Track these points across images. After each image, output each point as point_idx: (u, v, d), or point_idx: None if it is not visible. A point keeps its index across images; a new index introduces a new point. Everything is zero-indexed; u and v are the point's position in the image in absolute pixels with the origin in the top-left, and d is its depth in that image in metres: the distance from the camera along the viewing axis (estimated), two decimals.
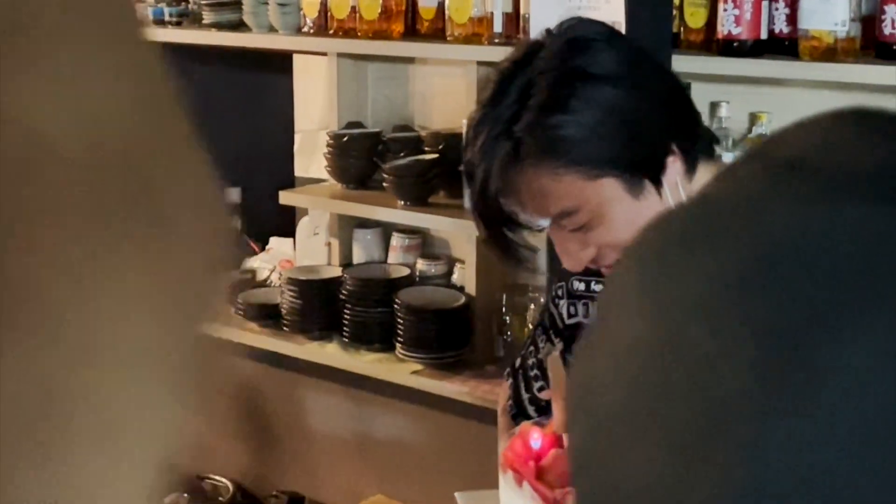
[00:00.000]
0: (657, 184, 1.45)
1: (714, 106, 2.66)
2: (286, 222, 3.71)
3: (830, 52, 2.26)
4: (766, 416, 0.40)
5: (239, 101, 4.16)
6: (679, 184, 1.46)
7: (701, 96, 2.60)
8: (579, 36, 1.46)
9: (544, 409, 1.79)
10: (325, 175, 3.43)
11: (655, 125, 1.45)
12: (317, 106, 3.51)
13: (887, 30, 2.26)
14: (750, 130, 2.63)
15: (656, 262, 0.47)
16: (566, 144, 1.41)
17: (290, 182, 3.66)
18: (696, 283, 0.44)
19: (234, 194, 3.95)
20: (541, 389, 1.76)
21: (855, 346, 0.41)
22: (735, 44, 2.39)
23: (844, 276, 0.42)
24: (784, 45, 2.38)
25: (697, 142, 1.51)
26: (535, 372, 1.78)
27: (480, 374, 2.84)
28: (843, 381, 0.40)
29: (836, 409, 0.40)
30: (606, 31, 1.50)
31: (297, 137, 3.59)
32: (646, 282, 0.47)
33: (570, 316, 1.72)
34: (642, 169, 1.44)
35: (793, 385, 0.40)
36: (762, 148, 0.51)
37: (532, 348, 1.81)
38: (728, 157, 2.61)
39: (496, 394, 2.73)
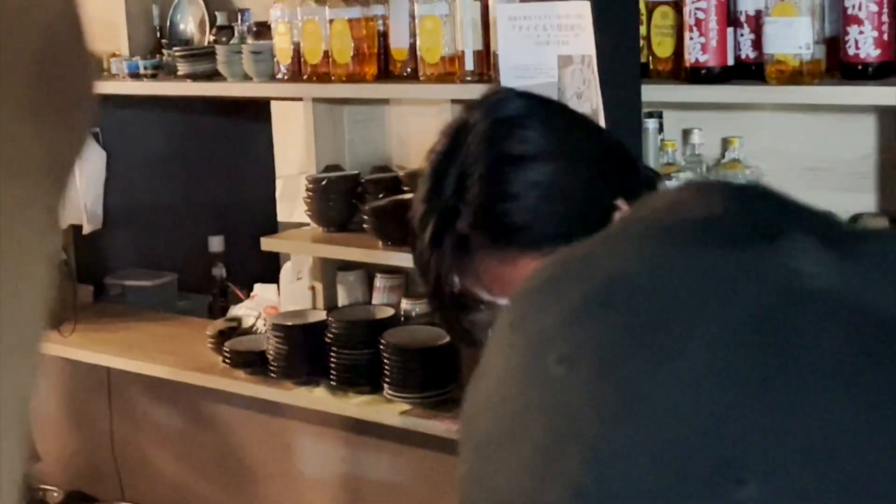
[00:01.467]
0: None
1: (686, 133, 2.68)
2: (271, 269, 3.72)
3: (797, 75, 2.29)
4: (603, 426, 0.48)
5: (219, 149, 4.19)
6: None
7: (673, 124, 2.64)
8: (503, 116, 1.43)
9: None
10: (307, 219, 3.45)
11: (597, 189, 1.43)
12: (296, 151, 3.52)
13: (851, 50, 2.28)
14: (723, 156, 2.65)
15: (525, 303, 0.55)
16: (513, 231, 1.39)
17: (272, 228, 3.67)
18: (551, 318, 0.52)
19: (218, 243, 3.97)
20: None
21: (671, 365, 0.48)
22: (703, 71, 2.41)
23: (663, 306, 0.50)
24: (751, 70, 2.40)
25: (641, 188, 1.49)
26: None
27: None
28: (659, 396, 0.47)
29: (652, 419, 0.47)
30: (529, 103, 1.47)
31: (278, 183, 3.60)
32: (516, 320, 0.54)
33: None
34: (593, 234, 1.43)
35: (622, 398, 0.48)
36: (632, 209, 0.61)
37: None
38: None
39: None
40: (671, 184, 2.51)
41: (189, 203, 4.28)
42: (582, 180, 1.42)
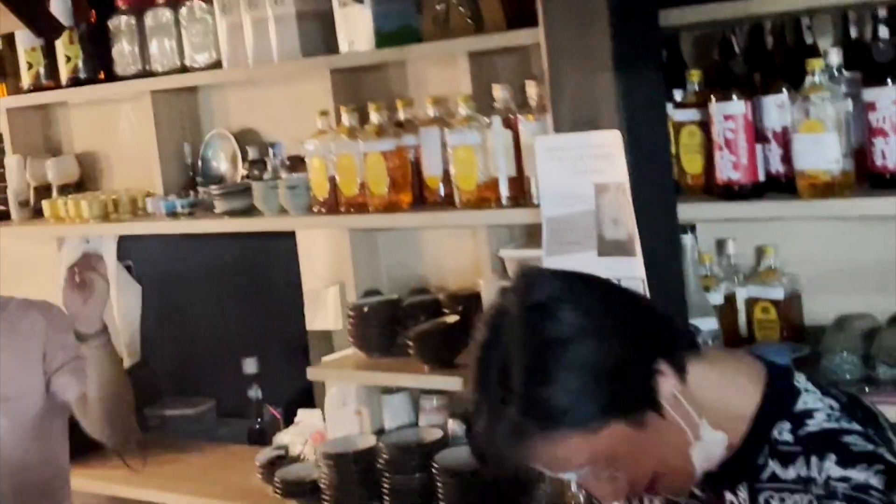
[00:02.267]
0: (657, 408, 1.49)
1: (720, 244, 2.76)
2: (305, 386, 3.76)
3: (828, 188, 2.36)
4: None
5: (246, 270, 4.25)
6: (678, 396, 1.50)
7: (706, 235, 2.71)
8: (538, 301, 1.49)
9: None
10: (332, 326, 3.50)
11: (636, 359, 1.48)
12: (321, 264, 3.59)
13: (879, 161, 2.36)
14: (758, 263, 2.71)
15: None
16: (560, 414, 1.45)
17: (302, 343, 3.71)
18: None
19: (251, 364, 4.01)
20: None
21: None
22: (735, 188, 2.48)
23: None
24: (782, 184, 2.47)
25: (679, 346, 1.54)
26: None
27: None
28: None
29: None
30: (562, 284, 1.53)
31: (306, 296, 3.66)
32: None
33: None
34: (638, 404, 1.48)
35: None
36: None
37: None
38: (741, 293, 2.69)
39: None
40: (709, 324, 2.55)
41: (220, 326, 4.34)
42: (620, 354, 1.47)
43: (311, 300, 3.65)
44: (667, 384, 1.49)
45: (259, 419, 3.99)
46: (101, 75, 3.85)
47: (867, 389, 2.38)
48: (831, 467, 1.48)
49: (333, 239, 3.46)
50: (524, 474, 1.54)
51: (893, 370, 2.41)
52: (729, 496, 1.59)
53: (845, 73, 2.39)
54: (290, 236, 3.65)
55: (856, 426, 1.53)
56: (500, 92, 2.81)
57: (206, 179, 3.64)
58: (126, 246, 4.08)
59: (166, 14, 3.62)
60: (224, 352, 4.24)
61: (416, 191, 3.05)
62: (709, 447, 1.54)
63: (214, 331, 4.35)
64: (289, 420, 3.68)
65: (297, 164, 3.30)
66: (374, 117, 3.01)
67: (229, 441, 3.99)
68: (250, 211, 3.38)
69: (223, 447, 3.90)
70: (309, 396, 3.75)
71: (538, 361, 1.45)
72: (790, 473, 1.52)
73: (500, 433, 1.47)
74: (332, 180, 3.10)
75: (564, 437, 1.46)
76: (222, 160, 3.68)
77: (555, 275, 1.57)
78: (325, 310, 3.65)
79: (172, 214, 3.54)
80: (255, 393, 4.01)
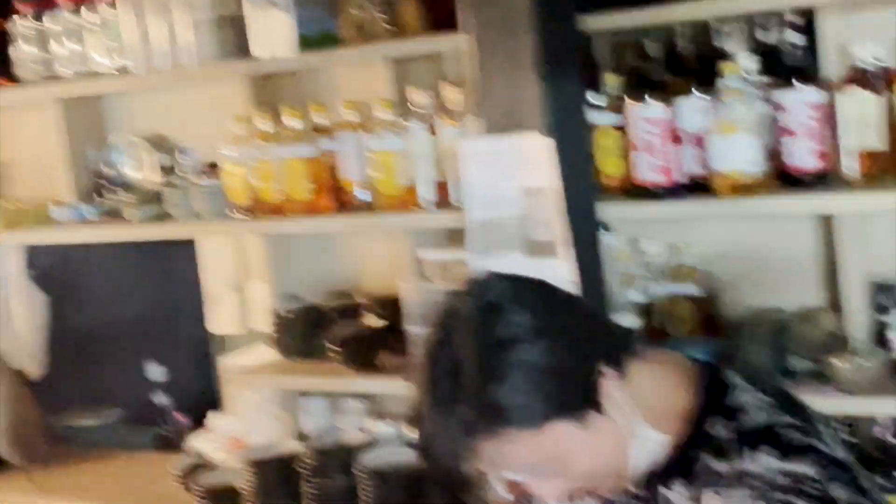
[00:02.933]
0: (599, 409, 1.53)
1: (637, 242, 2.82)
2: (213, 390, 3.74)
3: (744, 189, 2.44)
4: None
5: (144, 277, 4.21)
6: (618, 396, 1.55)
7: (623, 235, 2.78)
8: (488, 302, 1.53)
9: None
10: (233, 329, 3.50)
11: (581, 360, 1.53)
12: (222, 267, 3.58)
13: (791, 161, 2.45)
14: (674, 261, 2.79)
15: None
16: (509, 412, 1.48)
17: (205, 347, 3.70)
18: None
19: (157, 371, 3.98)
20: None
21: None
22: (653, 189, 2.56)
23: None
24: (699, 184, 2.55)
25: (619, 348, 1.59)
26: None
27: None
28: None
29: None
30: (513, 285, 1.57)
31: (208, 300, 3.64)
32: None
33: None
34: (582, 404, 1.53)
35: None
36: None
37: None
38: (658, 290, 2.77)
39: None
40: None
41: (124, 333, 4.29)
42: (566, 355, 1.51)
43: (213, 304, 3.64)
44: (608, 385, 1.54)
45: (167, 426, 3.96)
46: (2, 80, 3.77)
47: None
48: (767, 460, 1.54)
49: (236, 241, 3.46)
50: (465, 475, 1.56)
51: (805, 362, 2.50)
52: (664, 492, 1.63)
53: (759, 76, 2.48)
54: (192, 241, 3.62)
55: (788, 418, 1.58)
56: (419, 97, 2.84)
57: (115, 186, 3.60)
58: (30, 255, 4.01)
59: (69, 17, 3.56)
60: (128, 359, 4.20)
61: (335, 195, 3.06)
62: (645, 445, 1.59)
63: (119, 338, 4.30)
64: (197, 425, 3.66)
65: (209, 168, 3.29)
66: (292, 122, 3.01)
67: (137, 448, 3.95)
68: (162, 217, 3.36)
69: (132, 455, 3.86)
70: (216, 401, 3.73)
71: (489, 361, 1.48)
72: (724, 467, 1.56)
73: (449, 431, 1.49)
74: (250, 186, 3.10)
75: (512, 436, 1.49)
76: (131, 166, 3.64)
77: (504, 277, 1.60)
78: (227, 313, 3.64)
79: (83, 222, 3.49)
80: (161, 399, 3.98)
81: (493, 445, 1.50)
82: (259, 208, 3.10)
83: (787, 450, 1.54)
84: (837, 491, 1.51)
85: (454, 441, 1.50)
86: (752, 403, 1.61)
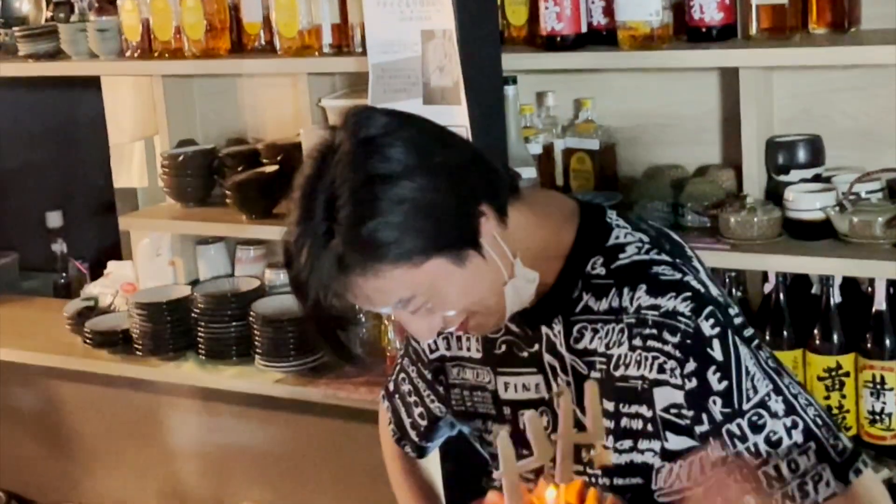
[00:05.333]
0: (478, 247, 1.52)
1: (540, 96, 2.80)
2: (112, 240, 3.70)
3: (647, 40, 2.42)
4: None
5: (48, 123, 4.11)
6: (497, 237, 1.54)
7: (527, 88, 2.75)
8: (367, 136, 1.49)
9: (425, 434, 1.90)
10: (138, 183, 3.44)
11: (460, 199, 1.51)
12: (127, 118, 3.50)
13: (696, 15, 2.42)
14: (576, 116, 2.77)
15: None
16: (384, 247, 1.46)
17: (108, 197, 3.64)
18: None
19: (56, 218, 3.92)
20: (421, 416, 1.88)
21: None
22: (558, 39, 2.52)
23: None
24: (603, 36, 2.52)
25: (502, 190, 1.58)
26: (413, 398, 1.89)
27: (341, 374, 2.91)
28: None
29: None
30: (391, 121, 1.53)
31: (111, 151, 3.57)
32: None
33: (431, 351, 1.82)
34: (460, 242, 1.51)
35: None
36: None
37: (404, 375, 1.90)
38: (559, 144, 2.75)
39: (359, 393, 2.81)
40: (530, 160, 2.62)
41: (23, 178, 4.21)
42: (446, 193, 1.49)
43: (117, 155, 3.56)
44: (488, 225, 1.53)
45: (65, 273, 3.91)
46: None
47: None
48: (641, 296, 1.55)
49: (142, 90, 3.36)
50: (342, 311, 1.53)
51: (699, 217, 2.51)
52: (545, 330, 1.64)
53: None
54: (97, 87, 3.52)
55: (665, 257, 1.60)
56: None
57: (8, 21, 3.47)
58: None
59: None
60: (27, 204, 4.12)
61: (234, 37, 2.97)
62: (522, 286, 1.58)
63: (17, 182, 4.21)
64: (96, 275, 3.61)
65: (106, 6, 3.17)
66: None
67: (35, 294, 3.90)
68: (56, 55, 3.24)
69: (27, 300, 3.81)
70: (116, 251, 3.68)
71: (365, 195, 1.46)
72: (603, 305, 1.59)
73: (323, 265, 1.47)
74: (145, 24, 3.00)
75: (386, 270, 1.48)
76: (24, 1, 3.51)
77: (385, 113, 1.56)
78: (130, 167, 3.57)
79: None
80: (59, 247, 3.93)
81: (367, 280, 1.48)
82: (155, 48, 3.00)
83: (659, 286, 1.55)
84: (706, 326, 1.52)
85: (327, 275, 1.48)
86: (633, 243, 1.61)
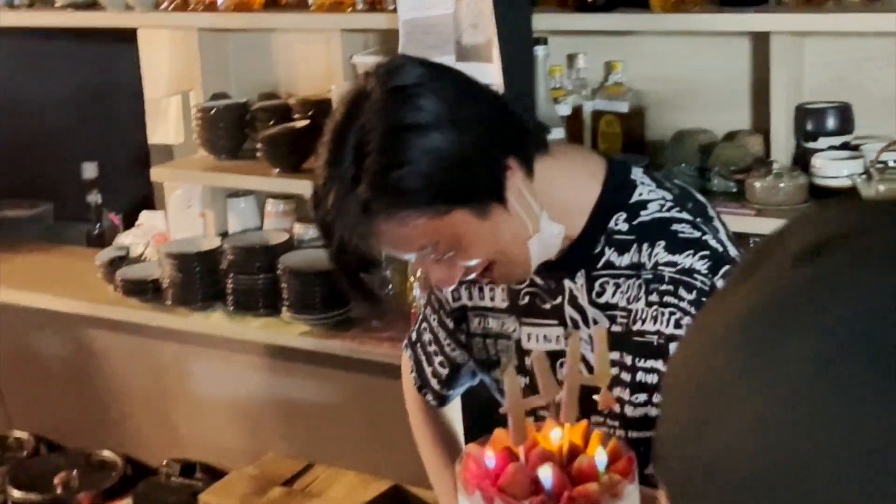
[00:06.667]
0: (502, 201, 1.54)
1: (571, 58, 2.80)
2: (146, 193, 3.73)
3: (679, 3, 2.42)
4: None
5: (84, 75, 4.14)
6: (523, 190, 1.56)
7: (558, 49, 2.75)
8: (400, 84, 1.50)
9: (445, 382, 1.93)
10: (174, 139, 3.47)
11: (487, 152, 1.53)
12: (163, 73, 3.53)
13: None
14: (606, 79, 2.78)
15: (756, 354, 0.57)
16: (410, 195, 1.49)
17: (143, 151, 3.67)
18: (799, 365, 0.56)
19: (91, 169, 3.95)
20: (441, 364, 1.91)
21: None
22: (590, 0, 2.52)
23: None
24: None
25: (530, 145, 1.59)
26: (433, 347, 1.92)
27: (366, 329, 2.94)
28: None
29: None
30: (424, 72, 1.53)
31: (147, 106, 3.59)
32: (751, 370, 0.58)
33: (454, 300, 1.84)
34: (485, 195, 1.53)
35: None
36: (765, 249, 0.61)
37: (425, 325, 1.93)
38: (588, 106, 2.76)
39: (383, 348, 2.84)
40: (559, 118, 2.63)
41: (60, 129, 4.24)
42: (473, 145, 1.51)
43: (152, 111, 3.59)
44: (514, 179, 1.55)
45: (98, 224, 3.95)
46: None
47: None
48: (660, 253, 1.57)
49: (178, 45, 3.38)
50: (367, 254, 1.56)
51: (726, 182, 2.52)
52: (568, 283, 1.66)
53: None
54: (133, 41, 3.55)
55: (686, 215, 1.61)
56: None
57: None
58: None
59: None
60: (63, 155, 4.16)
61: None
62: (547, 239, 1.61)
63: (53, 133, 4.25)
64: (129, 227, 3.65)
65: None
66: None
67: (69, 244, 3.95)
68: (94, 5, 3.27)
69: (61, 248, 3.86)
70: (149, 204, 3.72)
71: (393, 143, 1.48)
72: (625, 260, 1.61)
73: (348, 209, 1.49)
74: None
75: (410, 218, 1.50)
76: None
77: (419, 63, 1.57)
78: (166, 122, 3.59)
79: (11, 5, 3.39)
80: (94, 198, 3.96)
81: (391, 226, 1.51)
82: (189, 2, 3.03)
83: (678, 243, 1.57)
84: (722, 285, 1.53)
85: (353, 220, 1.50)
86: (656, 201, 1.63)
